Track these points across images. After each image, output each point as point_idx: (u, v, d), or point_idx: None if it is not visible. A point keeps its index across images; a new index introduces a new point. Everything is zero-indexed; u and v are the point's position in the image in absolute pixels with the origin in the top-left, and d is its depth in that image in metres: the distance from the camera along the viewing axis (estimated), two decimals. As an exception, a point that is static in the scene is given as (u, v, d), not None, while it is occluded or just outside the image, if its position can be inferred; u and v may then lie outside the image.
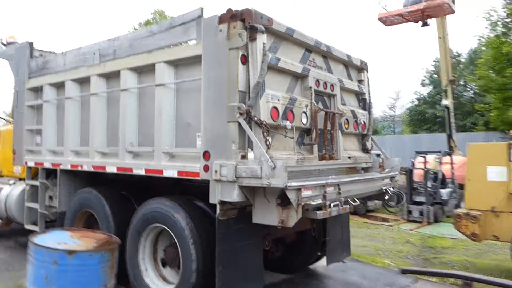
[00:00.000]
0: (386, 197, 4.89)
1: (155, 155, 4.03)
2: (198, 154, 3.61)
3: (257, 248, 3.92)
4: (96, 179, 5.08)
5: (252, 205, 3.48)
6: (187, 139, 3.89)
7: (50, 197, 5.64)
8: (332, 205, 3.55)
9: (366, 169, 5.31)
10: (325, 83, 4.34)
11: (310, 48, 4.25)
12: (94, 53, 4.74)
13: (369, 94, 5.38)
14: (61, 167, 5.20)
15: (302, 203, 3.21)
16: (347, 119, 4.75)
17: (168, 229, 3.89)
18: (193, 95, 3.78)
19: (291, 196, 3.14)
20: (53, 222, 5.71)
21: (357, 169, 5.12)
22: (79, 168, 4.93)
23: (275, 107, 3.55)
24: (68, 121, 5.11)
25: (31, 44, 6.02)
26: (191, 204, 3.92)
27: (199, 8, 3.71)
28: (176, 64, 3.99)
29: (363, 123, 5.09)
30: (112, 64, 4.51)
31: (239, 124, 3.32)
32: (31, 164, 5.75)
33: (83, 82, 4.94)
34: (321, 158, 4.21)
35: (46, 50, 6.50)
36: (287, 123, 3.60)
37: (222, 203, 3.43)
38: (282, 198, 3.22)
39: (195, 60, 3.70)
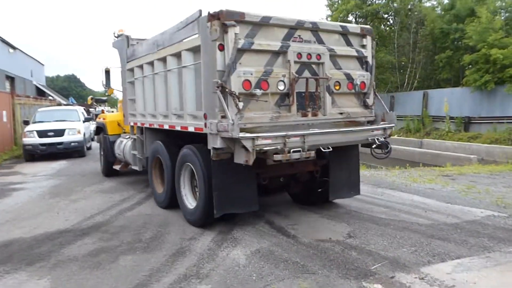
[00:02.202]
0: (373, 146, 5.73)
1: (185, 116, 5.79)
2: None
3: (250, 181, 5.42)
4: (165, 134, 7.12)
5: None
6: (201, 105, 5.49)
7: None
8: (292, 151, 4.78)
9: (372, 122, 6.15)
10: (309, 54, 5.36)
11: (294, 27, 5.30)
12: (153, 43, 6.63)
13: (372, 56, 6.07)
14: (145, 125, 7.43)
15: (257, 149, 4.56)
16: (338, 81, 5.68)
17: (191, 165, 5.69)
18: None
19: (246, 143, 4.52)
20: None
21: (360, 123, 6.01)
22: (153, 126, 7.05)
23: (247, 80, 4.86)
24: (146, 93, 7.22)
25: (128, 36, 8.29)
26: (203, 149, 5.53)
27: (198, 10, 5.14)
28: (193, 51, 5.54)
29: (359, 83, 5.89)
30: (162, 52, 6.33)
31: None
32: (132, 124, 8.19)
33: (151, 64, 6.91)
34: (303, 115, 5.35)
35: (143, 38, 8.75)
36: (257, 91, 4.88)
37: (214, 148, 4.99)
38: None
39: (199, 49, 5.21)
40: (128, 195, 8.11)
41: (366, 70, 6.04)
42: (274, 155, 4.71)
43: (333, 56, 5.66)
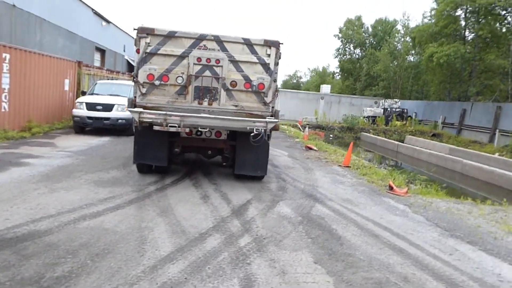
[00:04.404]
0: (252, 134, 7.34)
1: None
2: (136, 96, 7.77)
3: (162, 145, 7.75)
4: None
5: (143, 121, 7.39)
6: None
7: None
8: (169, 125, 6.95)
9: (271, 117, 7.72)
10: (208, 59, 7.33)
11: (199, 38, 7.31)
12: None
13: (275, 64, 7.57)
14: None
15: (140, 119, 6.91)
16: (235, 81, 7.46)
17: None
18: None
19: (134, 115, 6.93)
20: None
21: (260, 115, 7.66)
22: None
23: (151, 74, 7.19)
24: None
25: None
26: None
27: (138, 26, 7.59)
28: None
29: (256, 84, 7.52)
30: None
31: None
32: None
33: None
34: (199, 103, 7.41)
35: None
36: (156, 82, 7.18)
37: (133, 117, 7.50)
38: (138, 117, 7.03)
39: (140, 50, 7.72)
40: (119, 192, 6.68)
41: (268, 75, 7.59)
42: (154, 126, 6.98)
43: (234, 62, 7.45)
